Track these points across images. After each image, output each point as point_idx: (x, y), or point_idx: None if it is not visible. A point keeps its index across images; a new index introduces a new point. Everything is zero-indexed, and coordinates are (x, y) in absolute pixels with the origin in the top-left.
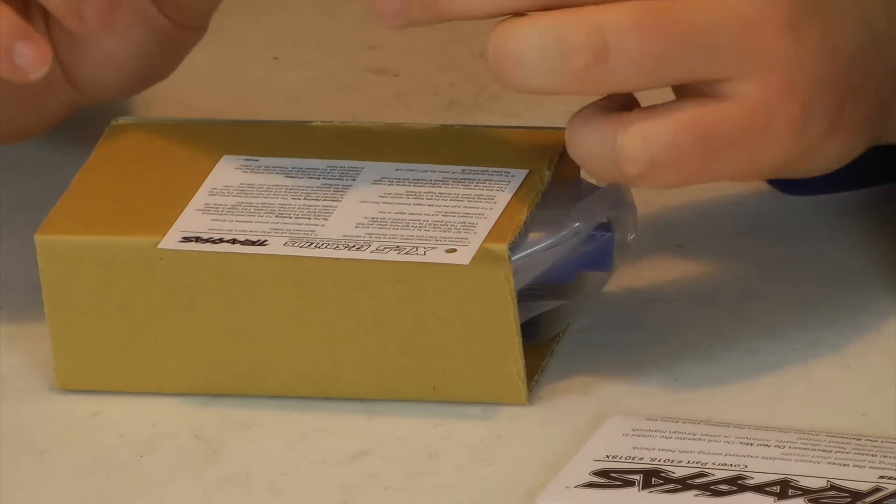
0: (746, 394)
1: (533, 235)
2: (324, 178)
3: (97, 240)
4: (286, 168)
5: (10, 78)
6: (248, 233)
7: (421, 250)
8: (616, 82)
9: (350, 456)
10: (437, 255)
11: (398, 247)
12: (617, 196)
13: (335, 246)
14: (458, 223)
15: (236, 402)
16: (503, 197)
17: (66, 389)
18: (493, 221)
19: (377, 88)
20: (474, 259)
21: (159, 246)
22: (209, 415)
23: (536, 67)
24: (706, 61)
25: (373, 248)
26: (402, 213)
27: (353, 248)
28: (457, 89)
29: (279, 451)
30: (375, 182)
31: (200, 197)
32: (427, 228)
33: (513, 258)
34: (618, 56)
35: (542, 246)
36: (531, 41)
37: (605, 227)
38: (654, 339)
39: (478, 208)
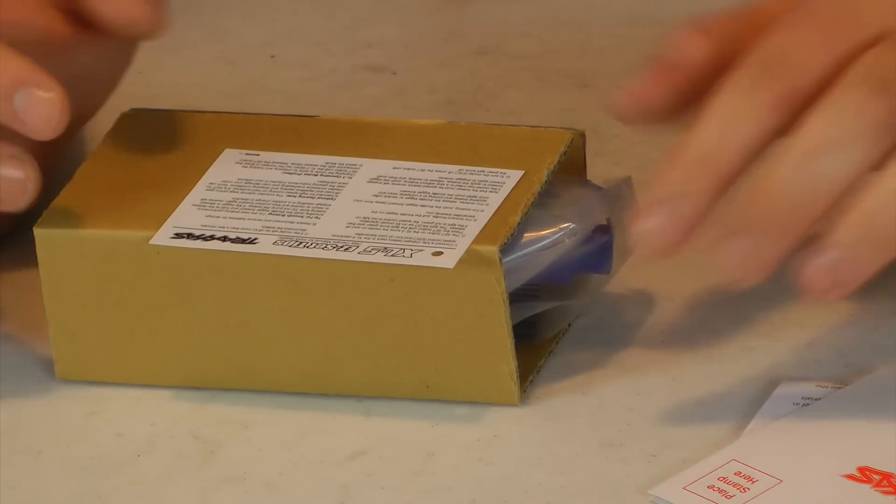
0: (744, 393)
1: (528, 236)
2: (321, 175)
3: (94, 233)
4: (285, 164)
5: None
6: (239, 230)
7: (408, 252)
8: None
9: (347, 455)
10: (423, 258)
11: (386, 248)
12: (620, 198)
13: (324, 246)
14: (448, 225)
15: (234, 402)
16: (496, 199)
17: (66, 380)
18: (483, 224)
19: (375, 86)
20: (465, 261)
21: (151, 241)
22: (207, 414)
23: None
24: None
25: (360, 249)
26: (394, 213)
27: (342, 249)
28: (454, 88)
29: (277, 450)
30: (371, 180)
31: (197, 192)
32: (417, 230)
33: (505, 259)
34: None
35: (537, 247)
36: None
37: (606, 229)
38: (653, 338)
39: (469, 210)
